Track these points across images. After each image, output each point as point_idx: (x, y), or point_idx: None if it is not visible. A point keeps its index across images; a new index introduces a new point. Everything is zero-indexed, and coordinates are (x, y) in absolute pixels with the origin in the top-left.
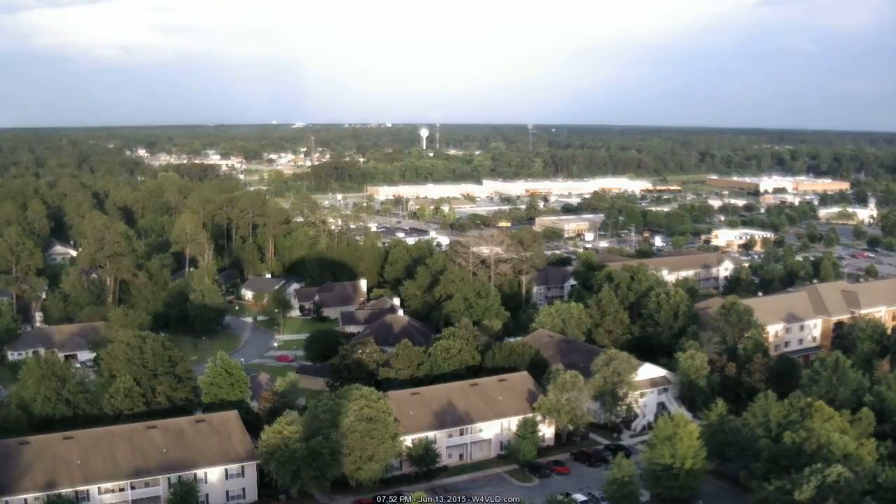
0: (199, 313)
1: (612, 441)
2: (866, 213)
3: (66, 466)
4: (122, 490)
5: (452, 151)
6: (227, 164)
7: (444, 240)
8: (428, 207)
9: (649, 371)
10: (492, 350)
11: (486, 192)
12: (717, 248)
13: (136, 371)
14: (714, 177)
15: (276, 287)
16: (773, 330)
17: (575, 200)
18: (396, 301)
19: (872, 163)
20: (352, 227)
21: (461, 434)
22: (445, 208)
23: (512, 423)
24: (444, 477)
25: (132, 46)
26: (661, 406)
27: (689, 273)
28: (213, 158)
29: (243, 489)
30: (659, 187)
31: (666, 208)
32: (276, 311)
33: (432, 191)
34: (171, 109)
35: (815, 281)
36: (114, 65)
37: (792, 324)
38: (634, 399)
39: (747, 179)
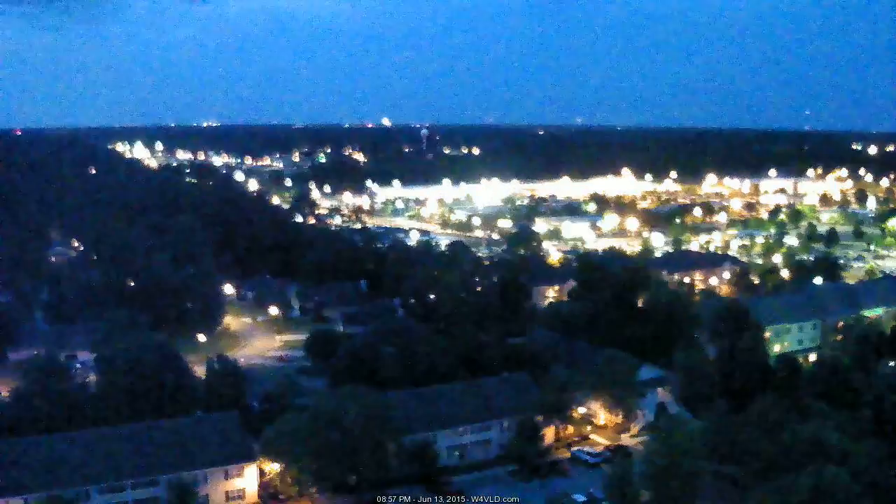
0: (199, 313)
1: (612, 441)
2: (867, 213)
3: (66, 467)
4: (122, 490)
5: (452, 151)
6: (227, 164)
7: (445, 240)
8: (428, 207)
9: (649, 371)
10: (492, 350)
11: (486, 193)
12: (717, 249)
13: (136, 371)
14: (715, 177)
15: (277, 287)
16: (773, 330)
17: (576, 201)
18: (397, 301)
19: (873, 163)
20: (352, 227)
21: (461, 434)
22: (446, 208)
23: (512, 424)
24: (444, 477)
25: None
26: (661, 406)
27: (689, 273)
28: (214, 158)
29: (243, 489)
30: (659, 188)
31: (666, 208)
32: (277, 311)
33: (433, 191)
34: (172, 109)
35: (815, 281)
36: None
37: (792, 324)
38: (634, 399)
39: (748, 180)
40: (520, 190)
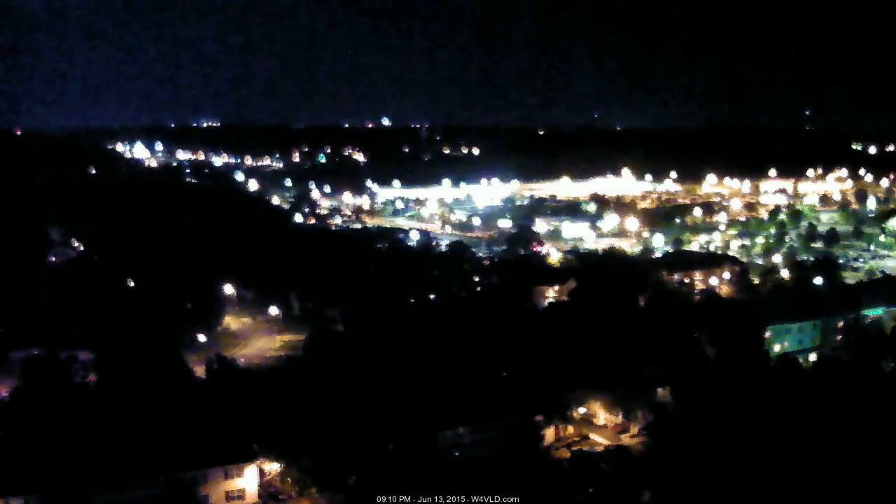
0: (199, 313)
1: (612, 441)
2: (866, 213)
3: (66, 466)
4: (121, 490)
5: (452, 151)
6: (227, 164)
7: (445, 240)
8: (428, 207)
9: (649, 371)
10: (492, 350)
11: (486, 193)
12: (717, 249)
13: (136, 371)
14: (715, 177)
15: (277, 287)
16: (773, 330)
17: (576, 201)
18: (397, 301)
19: (873, 163)
20: (352, 227)
21: (461, 434)
22: (446, 208)
23: (512, 424)
24: (444, 476)
25: None
26: (661, 406)
27: (689, 273)
28: (214, 158)
29: (243, 489)
30: (659, 187)
31: (666, 208)
32: (277, 310)
33: (433, 191)
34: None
35: (815, 281)
36: None
37: (792, 324)
38: (634, 399)
39: (748, 180)
40: (520, 190)
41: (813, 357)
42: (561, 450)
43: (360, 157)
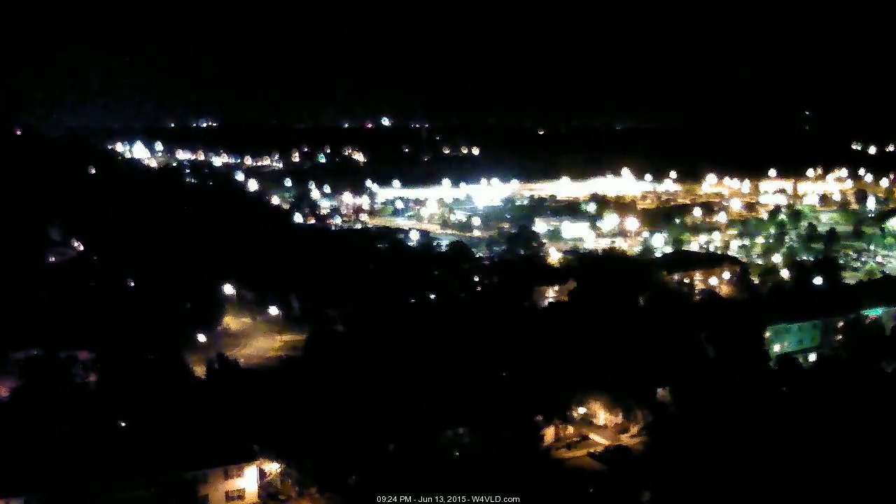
0: (198, 313)
1: (612, 441)
2: (866, 213)
3: (66, 466)
4: (121, 490)
5: (452, 151)
6: (227, 164)
7: (445, 240)
8: (428, 207)
9: (649, 372)
10: (491, 350)
11: (486, 193)
12: (717, 249)
13: (136, 371)
14: (715, 177)
15: (277, 287)
16: (773, 330)
17: (576, 201)
18: (396, 300)
19: (873, 163)
20: (352, 227)
21: (461, 434)
22: (445, 208)
23: (511, 424)
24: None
25: None
26: (661, 406)
27: (689, 273)
28: (214, 158)
29: (243, 489)
30: (659, 188)
31: (667, 208)
32: (277, 310)
33: (433, 191)
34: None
35: (815, 281)
36: None
37: (792, 324)
38: (634, 399)
39: (748, 180)
40: (520, 190)
41: (813, 357)
42: (561, 450)
43: (360, 157)
